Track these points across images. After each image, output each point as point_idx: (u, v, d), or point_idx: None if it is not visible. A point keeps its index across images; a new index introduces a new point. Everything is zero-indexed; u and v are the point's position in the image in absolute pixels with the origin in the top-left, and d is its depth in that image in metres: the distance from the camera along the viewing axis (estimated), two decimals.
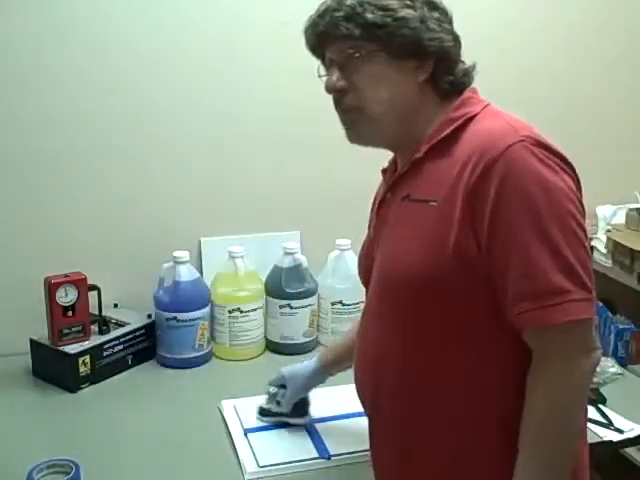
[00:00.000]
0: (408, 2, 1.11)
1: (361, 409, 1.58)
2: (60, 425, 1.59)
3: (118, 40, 1.88)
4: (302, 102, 2.01)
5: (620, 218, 2.12)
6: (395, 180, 1.20)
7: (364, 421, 1.55)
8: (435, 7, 1.14)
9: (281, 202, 2.11)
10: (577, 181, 1.11)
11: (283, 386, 1.55)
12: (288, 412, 1.54)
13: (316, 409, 1.60)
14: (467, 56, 1.20)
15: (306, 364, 1.55)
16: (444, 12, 1.16)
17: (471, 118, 1.13)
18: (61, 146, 1.90)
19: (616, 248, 2.02)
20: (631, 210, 2.06)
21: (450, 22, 1.17)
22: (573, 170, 1.10)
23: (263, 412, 1.57)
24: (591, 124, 2.33)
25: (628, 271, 1.96)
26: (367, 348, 1.24)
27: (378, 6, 1.10)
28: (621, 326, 1.93)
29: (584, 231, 1.07)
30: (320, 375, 1.54)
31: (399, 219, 1.17)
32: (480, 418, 1.12)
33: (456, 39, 1.17)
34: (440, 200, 1.09)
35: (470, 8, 2.11)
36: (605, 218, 2.17)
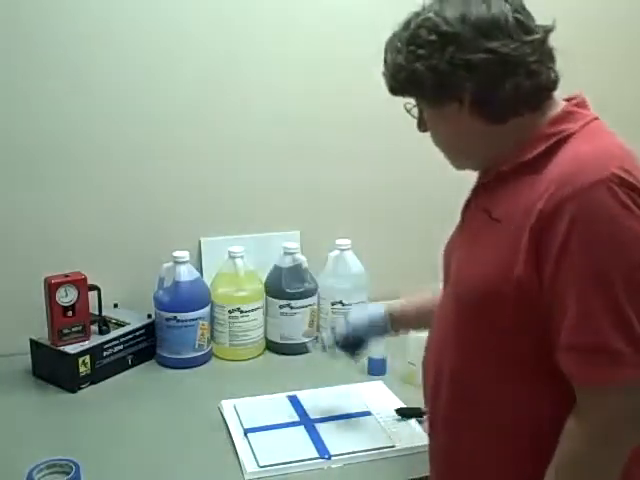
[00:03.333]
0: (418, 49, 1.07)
1: (361, 409, 1.60)
2: (60, 425, 1.59)
3: (118, 40, 1.88)
4: (302, 102, 2.01)
5: None
6: (476, 188, 1.19)
7: (364, 421, 1.56)
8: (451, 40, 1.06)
9: (281, 202, 2.10)
10: None
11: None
12: (340, 343, 1.52)
13: (316, 409, 1.60)
14: None
15: (374, 304, 1.54)
16: (476, 28, 1.05)
17: (566, 137, 1.07)
18: (61, 146, 1.90)
19: None
20: None
21: (486, 35, 1.06)
22: None
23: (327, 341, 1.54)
24: None
25: None
26: (433, 343, 1.25)
27: (391, 65, 1.11)
28: None
29: None
30: (383, 319, 1.50)
31: (477, 229, 1.15)
32: (523, 429, 1.10)
33: (492, 51, 1.05)
34: (515, 222, 1.04)
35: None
36: None
